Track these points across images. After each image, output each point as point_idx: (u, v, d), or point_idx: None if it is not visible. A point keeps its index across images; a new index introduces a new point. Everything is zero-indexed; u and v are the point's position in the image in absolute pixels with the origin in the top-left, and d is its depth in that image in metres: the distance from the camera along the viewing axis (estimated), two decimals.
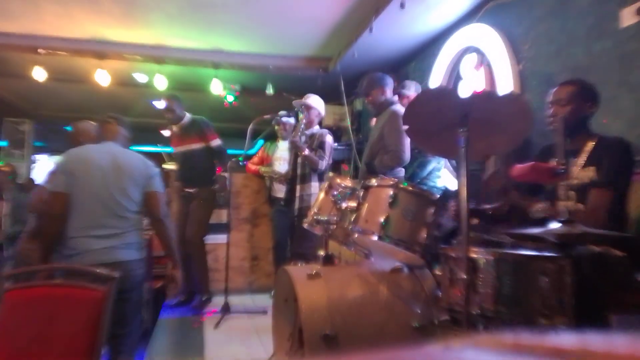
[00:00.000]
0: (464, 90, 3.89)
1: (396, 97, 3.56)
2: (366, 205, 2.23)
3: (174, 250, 2.74)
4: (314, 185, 4.19)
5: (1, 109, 7.46)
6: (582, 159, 2.16)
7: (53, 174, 2.56)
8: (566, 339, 0.30)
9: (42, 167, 8.22)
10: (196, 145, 4.56)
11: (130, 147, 2.83)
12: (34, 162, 7.89)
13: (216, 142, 4.61)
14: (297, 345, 2.31)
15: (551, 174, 1.91)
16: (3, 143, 7.62)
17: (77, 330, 2.00)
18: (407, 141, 3.24)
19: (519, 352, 0.31)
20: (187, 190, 4.56)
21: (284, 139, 4.98)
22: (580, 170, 2.14)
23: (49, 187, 2.54)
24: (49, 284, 2.17)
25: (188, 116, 4.64)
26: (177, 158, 4.68)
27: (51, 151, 8.99)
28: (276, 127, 4.90)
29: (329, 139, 4.24)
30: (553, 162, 2.11)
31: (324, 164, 4.16)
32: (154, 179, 2.67)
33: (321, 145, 4.19)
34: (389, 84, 3.53)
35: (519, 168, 2.00)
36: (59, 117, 7.92)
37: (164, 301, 5.08)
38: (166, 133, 5.10)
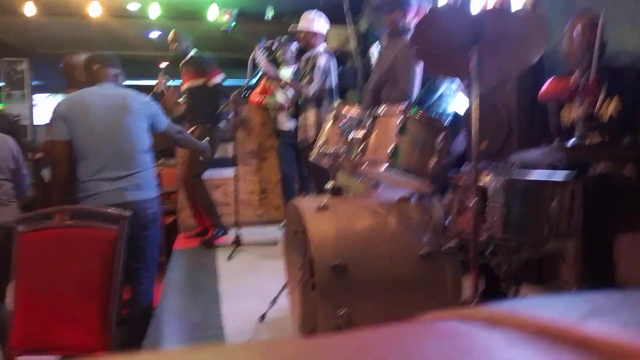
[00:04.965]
0: (475, 7, 3.68)
1: (413, 23, 3.34)
2: (374, 134, 2.17)
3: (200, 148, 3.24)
4: (310, 114, 4.07)
5: None
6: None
7: (52, 123, 2.58)
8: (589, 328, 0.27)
9: (43, 107, 8.14)
10: (196, 82, 4.45)
11: (125, 81, 2.81)
12: (34, 102, 7.78)
13: (216, 79, 4.47)
14: (308, 275, 2.34)
15: (571, 88, 1.82)
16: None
17: (91, 269, 2.05)
18: (418, 76, 3.09)
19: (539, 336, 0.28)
20: (189, 128, 4.48)
21: (286, 64, 4.84)
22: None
23: (49, 136, 2.57)
24: (61, 225, 2.20)
25: (192, 52, 4.51)
26: (184, 95, 4.63)
27: (50, 90, 8.86)
28: (276, 52, 4.74)
29: (321, 61, 4.03)
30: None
31: (311, 89, 3.99)
32: (158, 115, 2.69)
33: (312, 69, 4.03)
34: (413, 9, 3.29)
35: (543, 89, 1.91)
36: (55, 54, 7.72)
37: (175, 236, 5.19)
38: (162, 65, 4.97)
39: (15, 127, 4.01)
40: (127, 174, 2.53)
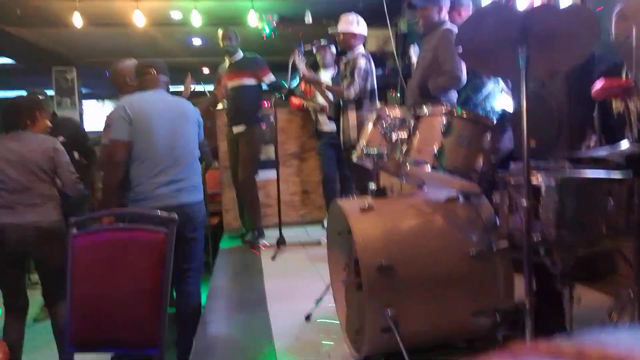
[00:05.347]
0: (522, 4, 3.59)
1: (447, 17, 3.31)
2: (418, 135, 2.15)
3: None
4: (351, 115, 4.07)
5: (48, 59, 7.60)
6: None
7: (114, 122, 2.62)
8: None
9: (91, 113, 8.42)
10: (248, 81, 4.46)
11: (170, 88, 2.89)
12: (82, 109, 8.08)
13: (270, 76, 4.50)
14: (353, 275, 2.35)
15: (623, 89, 1.76)
16: (51, 92, 7.81)
17: (142, 271, 2.09)
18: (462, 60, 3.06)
19: None
20: (236, 128, 4.53)
21: (325, 67, 4.86)
22: None
23: (111, 135, 2.61)
24: (112, 228, 2.27)
25: (240, 52, 4.55)
26: (227, 94, 4.63)
27: (97, 97, 9.18)
28: (317, 57, 4.77)
29: (361, 63, 4.01)
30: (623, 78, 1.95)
31: (352, 91, 3.98)
32: (202, 126, 2.83)
33: (353, 71, 4.04)
34: (447, 4, 3.27)
35: (596, 89, 1.84)
36: (101, 63, 8.01)
37: (221, 236, 5.29)
38: (206, 71, 5.05)
39: (81, 132, 4.14)
40: (182, 177, 2.62)
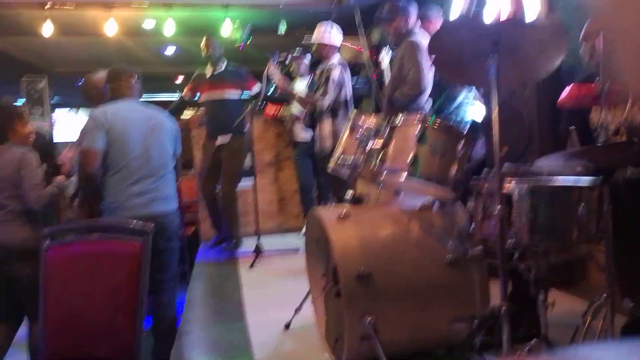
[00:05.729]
0: (489, 15, 3.68)
1: (418, 25, 3.38)
2: (392, 143, 2.19)
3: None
4: (326, 124, 4.10)
5: (17, 68, 7.44)
6: None
7: (88, 131, 2.58)
8: None
9: (62, 123, 8.26)
10: (232, 92, 4.44)
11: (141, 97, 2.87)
12: (53, 119, 7.92)
13: (256, 88, 4.49)
14: (332, 283, 2.36)
15: (594, 95, 1.82)
16: (20, 102, 7.64)
17: (117, 283, 2.06)
18: (427, 69, 3.12)
19: None
20: (219, 140, 4.49)
21: (301, 77, 4.89)
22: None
23: (85, 144, 2.56)
24: (87, 240, 2.23)
25: (224, 62, 4.51)
26: (207, 106, 4.56)
27: (69, 106, 9.02)
28: (290, 65, 4.79)
29: (334, 73, 4.04)
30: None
31: (325, 101, 4.01)
32: (179, 139, 2.79)
33: (327, 80, 4.07)
34: (413, 12, 3.34)
35: (563, 96, 1.90)
36: (73, 72, 7.88)
37: (197, 245, 5.24)
38: (179, 80, 5.02)
39: (50, 145, 4.04)
40: (156, 187, 2.60)
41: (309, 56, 4.84)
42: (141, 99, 2.87)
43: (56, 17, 5.26)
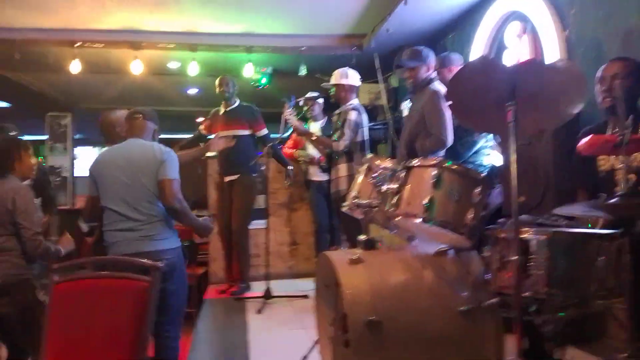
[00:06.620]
0: (509, 60, 3.70)
1: (435, 74, 3.39)
2: (408, 186, 2.15)
3: (199, 228, 2.87)
4: (342, 167, 4.11)
5: (43, 103, 7.64)
6: None
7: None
8: None
9: (83, 160, 8.38)
10: (243, 132, 4.46)
11: (161, 136, 2.89)
12: (75, 155, 8.06)
13: (264, 131, 4.54)
14: (340, 331, 2.27)
15: (611, 145, 1.77)
16: (44, 137, 7.81)
17: (123, 321, 2.02)
18: (450, 122, 3.09)
19: None
20: (228, 177, 4.51)
21: (314, 120, 4.94)
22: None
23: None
24: (95, 276, 2.21)
25: (237, 100, 4.59)
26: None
27: (91, 143, 9.19)
28: (304, 109, 4.84)
29: (352, 115, 4.07)
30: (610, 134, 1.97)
31: (342, 143, 4.03)
32: (164, 164, 2.64)
33: (343, 123, 4.08)
34: (434, 61, 3.36)
35: (582, 143, 1.86)
36: (97, 109, 8.06)
37: (207, 286, 5.17)
38: (199, 120, 5.08)
39: (46, 178, 4.08)
40: (139, 226, 2.59)
41: (321, 100, 4.91)
42: (158, 136, 2.89)
43: (84, 55, 5.42)
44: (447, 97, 1.87)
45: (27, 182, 3.08)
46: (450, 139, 3.09)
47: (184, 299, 2.78)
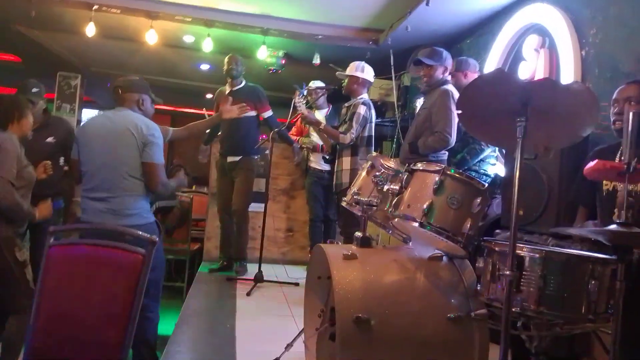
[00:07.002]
0: (524, 72, 3.68)
1: (450, 77, 3.38)
2: (409, 189, 2.15)
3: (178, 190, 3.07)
4: (345, 160, 4.11)
5: (54, 63, 7.62)
6: None
7: None
8: None
9: None
10: (248, 113, 4.35)
11: (169, 108, 2.90)
12: (81, 117, 8.06)
13: (269, 112, 4.53)
14: (327, 323, 2.30)
15: (615, 172, 1.78)
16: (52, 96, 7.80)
17: (114, 293, 2.03)
18: (456, 123, 3.10)
19: None
20: (230, 158, 4.52)
21: (318, 108, 4.93)
22: None
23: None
24: (92, 243, 2.21)
25: (242, 80, 4.57)
26: (222, 124, 4.56)
27: (98, 107, 9.18)
28: (309, 98, 4.84)
29: (361, 109, 4.07)
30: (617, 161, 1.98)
31: (348, 137, 4.03)
32: (150, 146, 2.66)
33: (352, 117, 4.08)
34: (451, 65, 3.35)
35: (588, 167, 1.86)
36: (108, 74, 8.05)
37: (199, 263, 5.20)
38: (209, 96, 5.08)
39: (72, 137, 4.05)
40: (108, 197, 2.61)
41: (324, 90, 4.90)
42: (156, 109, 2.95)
43: (100, 19, 5.39)
44: (458, 105, 1.87)
45: (50, 139, 3.26)
46: (453, 138, 3.09)
47: (160, 274, 2.82)
